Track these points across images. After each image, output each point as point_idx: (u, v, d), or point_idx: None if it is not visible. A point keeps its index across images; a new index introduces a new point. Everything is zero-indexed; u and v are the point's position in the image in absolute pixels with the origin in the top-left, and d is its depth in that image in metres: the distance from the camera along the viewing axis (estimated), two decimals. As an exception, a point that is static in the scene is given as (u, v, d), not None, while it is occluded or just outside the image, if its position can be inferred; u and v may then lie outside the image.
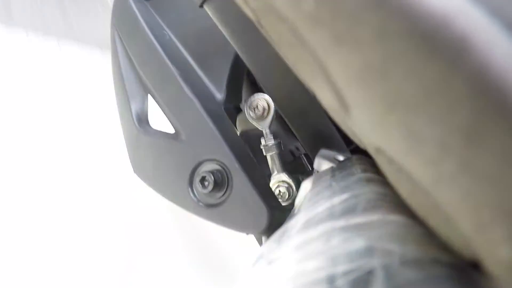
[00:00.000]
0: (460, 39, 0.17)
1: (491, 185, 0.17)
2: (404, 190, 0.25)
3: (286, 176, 0.65)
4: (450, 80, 0.17)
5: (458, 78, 0.17)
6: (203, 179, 0.57)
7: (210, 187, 0.56)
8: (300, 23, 0.24)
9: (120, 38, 0.66)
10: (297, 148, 0.76)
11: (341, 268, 0.22)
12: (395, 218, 0.26)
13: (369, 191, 0.32)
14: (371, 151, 0.27)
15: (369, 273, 0.20)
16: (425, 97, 0.18)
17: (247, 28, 0.58)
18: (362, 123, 0.24)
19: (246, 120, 0.67)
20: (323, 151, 0.54)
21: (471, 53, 0.17)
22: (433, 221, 0.23)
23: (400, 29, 0.18)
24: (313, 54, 0.24)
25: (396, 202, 0.29)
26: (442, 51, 0.17)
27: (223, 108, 0.63)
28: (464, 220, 0.19)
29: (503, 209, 0.17)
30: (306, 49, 0.25)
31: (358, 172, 0.40)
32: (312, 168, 0.59)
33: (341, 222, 0.27)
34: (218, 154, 0.57)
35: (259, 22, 0.31)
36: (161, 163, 0.61)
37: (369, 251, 0.22)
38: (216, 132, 0.57)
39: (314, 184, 0.44)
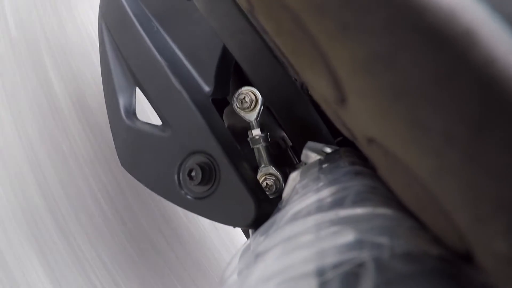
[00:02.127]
0: (466, 33, 0.17)
1: (493, 178, 0.17)
2: (397, 183, 0.25)
3: (273, 168, 0.65)
4: (457, 72, 0.17)
5: (465, 70, 0.17)
6: (190, 172, 0.57)
7: (198, 179, 0.56)
8: (305, 12, 0.24)
9: (108, 30, 0.66)
10: (284, 141, 0.76)
11: (330, 261, 0.22)
12: (384, 211, 0.26)
13: (358, 184, 0.32)
14: (362, 142, 0.27)
15: (359, 266, 0.20)
16: (431, 88, 0.18)
17: (235, 21, 0.58)
18: (359, 113, 0.24)
19: (233, 113, 0.67)
20: (310, 143, 0.54)
21: (477, 47, 0.17)
22: (426, 215, 0.23)
23: (408, 20, 0.18)
24: (315, 43, 0.24)
25: (386, 195, 0.29)
26: (449, 43, 0.17)
27: (210, 101, 0.63)
28: (462, 212, 0.19)
29: (503, 203, 0.17)
30: (308, 38, 0.25)
31: (346, 164, 0.40)
32: (299, 161, 0.59)
33: (330, 215, 0.27)
34: (205, 146, 0.57)
35: (251, 12, 0.31)
36: (149, 155, 0.61)
37: (358, 244, 0.22)
38: (204, 124, 0.57)
39: (302, 176, 0.44)
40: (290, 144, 0.75)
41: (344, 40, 0.22)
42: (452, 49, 0.17)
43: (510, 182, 0.16)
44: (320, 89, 0.28)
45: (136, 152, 0.62)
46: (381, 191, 0.30)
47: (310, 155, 0.52)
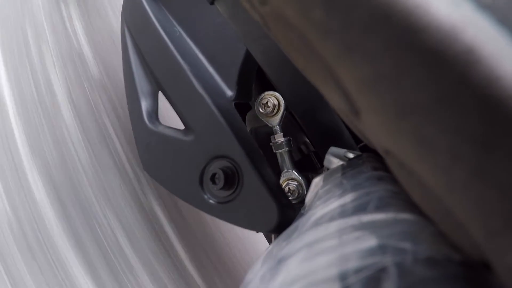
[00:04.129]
0: (468, 51, 0.17)
1: (502, 193, 0.17)
2: (415, 194, 0.25)
3: (296, 174, 0.65)
4: (460, 91, 0.17)
5: (467, 89, 0.17)
6: (213, 176, 0.57)
7: (221, 184, 0.56)
8: (310, 32, 0.24)
9: (130, 34, 0.67)
10: (306, 146, 0.76)
11: (353, 265, 0.22)
12: (407, 216, 0.26)
13: (380, 189, 0.32)
14: (381, 152, 0.27)
15: (382, 271, 0.20)
16: (436, 106, 0.18)
17: (258, 26, 0.59)
18: (372, 127, 0.24)
19: (256, 117, 0.67)
20: (333, 149, 0.54)
21: (479, 65, 0.17)
22: (444, 225, 0.23)
23: (408, 41, 0.19)
24: (323, 61, 0.24)
25: (408, 200, 0.28)
26: (450, 63, 0.17)
27: (233, 105, 0.63)
28: (475, 227, 0.19)
29: None
30: (316, 56, 0.25)
31: (368, 170, 0.40)
32: (322, 166, 0.59)
33: (353, 220, 0.27)
34: (228, 151, 0.57)
35: (266, 25, 0.31)
36: (172, 160, 0.61)
37: (381, 249, 0.22)
38: (226, 129, 0.57)
39: (325, 181, 0.44)
40: (313, 149, 0.75)
41: (349, 60, 0.22)
42: (454, 68, 0.17)
43: None
44: (334, 102, 0.28)
45: (159, 156, 0.63)
46: (404, 196, 0.30)
47: (332, 161, 0.52)
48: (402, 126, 0.20)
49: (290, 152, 0.65)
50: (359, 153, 0.52)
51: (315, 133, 0.64)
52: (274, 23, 0.28)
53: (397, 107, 0.20)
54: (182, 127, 0.62)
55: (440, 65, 0.18)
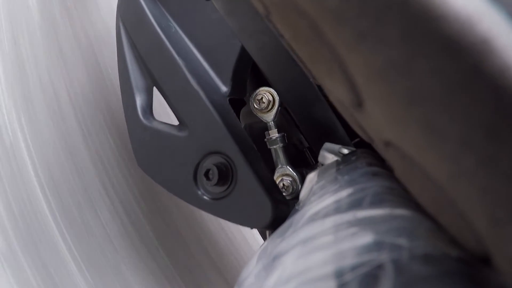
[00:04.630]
0: (483, 41, 0.17)
1: (509, 183, 0.17)
2: (415, 186, 0.25)
3: (290, 169, 0.65)
4: (473, 80, 0.17)
5: (481, 78, 0.17)
6: (207, 172, 0.57)
7: (215, 180, 0.56)
8: (323, 20, 0.24)
9: (125, 29, 0.66)
10: (301, 142, 0.76)
11: (349, 262, 0.22)
12: (402, 212, 0.26)
13: (375, 185, 0.32)
14: (379, 145, 0.26)
15: (378, 268, 0.20)
16: (448, 94, 0.18)
17: (253, 21, 0.58)
18: (375, 118, 0.24)
19: (250, 113, 0.67)
20: (328, 144, 0.54)
21: (493, 55, 0.17)
22: (444, 217, 0.23)
23: (425, 30, 0.19)
24: (332, 50, 0.24)
25: (403, 196, 0.28)
26: (465, 52, 0.17)
27: (227, 101, 0.63)
28: (479, 216, 0.19)
29: None
30: (325, 45, 0.25)
31: (363, 165, 0.40)
32: (316, 162, 0.59)
33: (348, 216, 0.27)
34: (223, 147, 0.57)
35: (268, 17, 0.31)
36: (166, 155, 0.61)
37: (377, 246, 0.22)
38: (221, 125, 0.57)
39: (319, 177, 0.44)
40: (307, 145, 0.75)
41: (361, 48, 0.22)
42: (469, 57, 0.17)
43: None
44: (337, 93, 0.28)
45: (153, 152, 0.62)
46: (399, 192, 0.30)
47: (327, 156, 0.52)
48: (410, 115, 0.20)
49: (284, 148, 0.65)
50: (353, 149, 0.52)
51: (310, 129, 0.64)
52: (282, 12, 0.28)
53: (408, 94, 0.20)
54: (176, 122, 0.62)
55: (455, 54, 0.18)
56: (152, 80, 0.64)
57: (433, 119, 0.19)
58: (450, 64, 0.18)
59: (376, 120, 0.24)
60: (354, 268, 0.21)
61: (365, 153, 0.46)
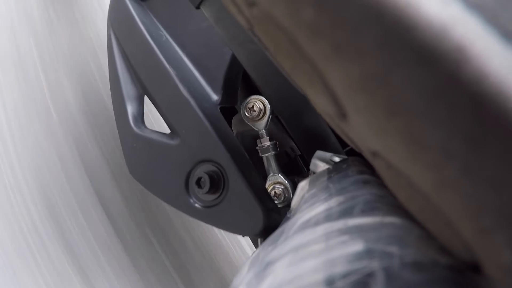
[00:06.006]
0: (458, 49, 0.17)
1: (492, 190, 0.17)
2: (402, 195, 0.25)
3: (282, 177, 0.65)
4: (450, 89, 0.17)
5: (458, 87, 0.17)
6: (199, 180, 0.57)
7: (206, 188, 0.56)
8: (299, 33, 0.24)
9: (116, 38, 0.66)
10: (293, 150, 0.76)
11: (340, 270, 0.22)
12: (393, 220, 0.26)
13: (366, 193, 0.32)
14: (367, 155, 0.27)
15: (369, 276, 0.20)
16: (426, 104, 0.18)
17: (244, 30, 0.59)
18: (360, 129, 0.24)
19: (242, 121, 0.67)
20: (319, 153, 0.54)
21: (469, 63, 0.17)
22: (433, 226, 0.23)
23: (400, 40, 0.19)
24: (311, 63, 0.24)
25: (394, 204, 0.29)
26: (441, 61, 0.17)
27: (219, 109, 0.63)
28: (465, 225, 0.19)
29: (504, 214, 0.17)
30: (304, 58, 0.25)
31: (354, 174, 0.40)
32: (308, 170, 0.59)
33: (339, 224, 0.27)
34: (214, 155, 0.57)
35: (251, 30, 0.31)
36: (157, 164, 0.61)
37: (368, 253, 0.22)
38: (212, 133, 0.57)
39: (311, 185, 0.44)
40: (299, 153, 0.75)
41: (338, 61, 0.22)
42: (444, 66, 0.17)
43: (509, 193, 0.17)
44: (321, 105, 0.28)
45: (144, 160, 0.63)
46: (389, 200, 0.30)
47: (318, 164, 0.52)
48: (391, 125, 0.20)
49: (276, 156, 0.65)
50: (345, 157, 0.52)
51: (301, 137, 0.64)
52: (262, 25, 0.28)
53: (386, 106, 0.20)
54: (168, 131, 0.62)
55: (431, 63, 0.18)
56: (143, 89, 0.64)
57: (413, 129, 0.19)
58: (427, 73, 0.18)
59: (361, 131, 0.24)
60: (345, 275, 0.21)
61: (356, 161, 0.47)
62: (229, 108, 0.72)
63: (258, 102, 0.64)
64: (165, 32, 0.67)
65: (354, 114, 0.23)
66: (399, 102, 0.19)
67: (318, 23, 0.22)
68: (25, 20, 0.75)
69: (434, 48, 0.18)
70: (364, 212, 0.28)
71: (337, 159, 0.51)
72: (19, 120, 0.66)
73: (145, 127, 0.65)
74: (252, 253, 0.39)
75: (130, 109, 0.64)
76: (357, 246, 0.23)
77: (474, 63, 0.17)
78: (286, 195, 0.65)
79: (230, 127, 0.75)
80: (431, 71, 0.18)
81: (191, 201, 0.59)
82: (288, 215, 0.45)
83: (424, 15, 0.18)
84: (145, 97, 0.65)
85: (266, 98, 0.64)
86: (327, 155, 0.53)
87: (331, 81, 0.24)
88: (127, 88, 0.65)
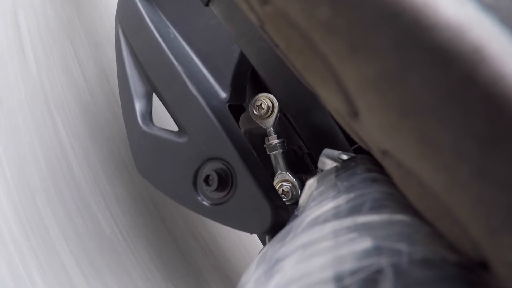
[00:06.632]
0: (474, 50, 0.17)
1: (504, 192, 0.17)
2: (412, 194, 0.25)
3: (290, 175, 0.65)
4: (466, 89, 0.17)
5: (473, 88, 0.17)
6: (207, 178, 0.57)
7: (214, 185, 0.56)
8: (314, 31, 0.24)
9: (124, 35, 0.66)
10: (300, 148, 0.76)
11: (348, 267, 0.22)
12: (402, 217, 0.26)
13: (375, 191, 0.32)
14: (376, 154, 0.27)
15: (378, 273, 0.20)
16: (441, 105, 0.18)
17: (252, 27, 0.59)
18: (371, 128, 0.24)
19: (250, 119, 0.67)
20: (327, 150, 0.54)
21: (485, 64, 0.17)
22: (442, 224, 0.23)
23: (416, 40, 0.19)
24: (325, 61, 0.24)
25: (403, 202, 0.28)
26: (457, 62, 0.17)
27: (227, 107, 0.63)
28: (475, 225, 0.19)
29: None
30: (317, 56, 0.25)
31: (362, 171, 0.40)
32: (316, 168, 0.59)
33: (347, 222, 0.27)
34: (222, 153, 0.57)
35: (262, 28, 0.31)
36: (165, 161, 0.61)
37: (377, 251, 0.22)
38: (220, 131, 0.57)
39: (319, 183, 0.44)
40: (307, 151, 0.75)
41: (353, 60, 0.22)
42: (461, 67, 0.17)
43: None
44: (332, 103, 0.28)
45: (152, 158, 0.63)
46: (398, 197, 0.30)
47: (326, 162, 0.52)
48: (404, 126, 0.20)
49: (284, 154, 0.65)
50: (353, 154, 0.52)
51: (309, 135, 0.64)
52: (274, 23, 0.28)
53: (401, 105, 0.20)
54: (176, 128, 0.62)
55: (447, 63, 0.18)
56: (151, 86, 0.64)
57: (426, 130, 0.19)
58: (442, 74, 0.18)
59: (372, 130, 0.24)
60: (353, 272, 0.21)
61: (364, 159, 0.46)
62: (237, 105, 0.72)
63: (266, 100, 0.64)
64: (173, 30, 0.67)
65: (367, 113, 0.23)
66: (413, 103, 0.19)
67: (333, 22, 0.22)
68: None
69: (451, 48, 0.18)
70: (373, 209, 0.28)
71: (345, 157, 0.51)
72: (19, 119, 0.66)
73: (153, 124, 0.65)
74: (260, 251, 0.39)
75: (138, 106, 0.64)
76: (366, 243, 0.23)
77: (490, 63, 0.17)
78: (294, 193, 0.64)
79: (238, 124, 0.75)
80: (447, 71, 0.18)
81: (199, 198, 0.59)
82: (296, 213, 0.45)
83: (442, 16, 0.18)
84: (154, 94, 0.65)
85: (274, 96, 0.63)
86: (335, 153, 0.53)
87: (345, 80, 0.24)
88: (135, 85, 0.65)
